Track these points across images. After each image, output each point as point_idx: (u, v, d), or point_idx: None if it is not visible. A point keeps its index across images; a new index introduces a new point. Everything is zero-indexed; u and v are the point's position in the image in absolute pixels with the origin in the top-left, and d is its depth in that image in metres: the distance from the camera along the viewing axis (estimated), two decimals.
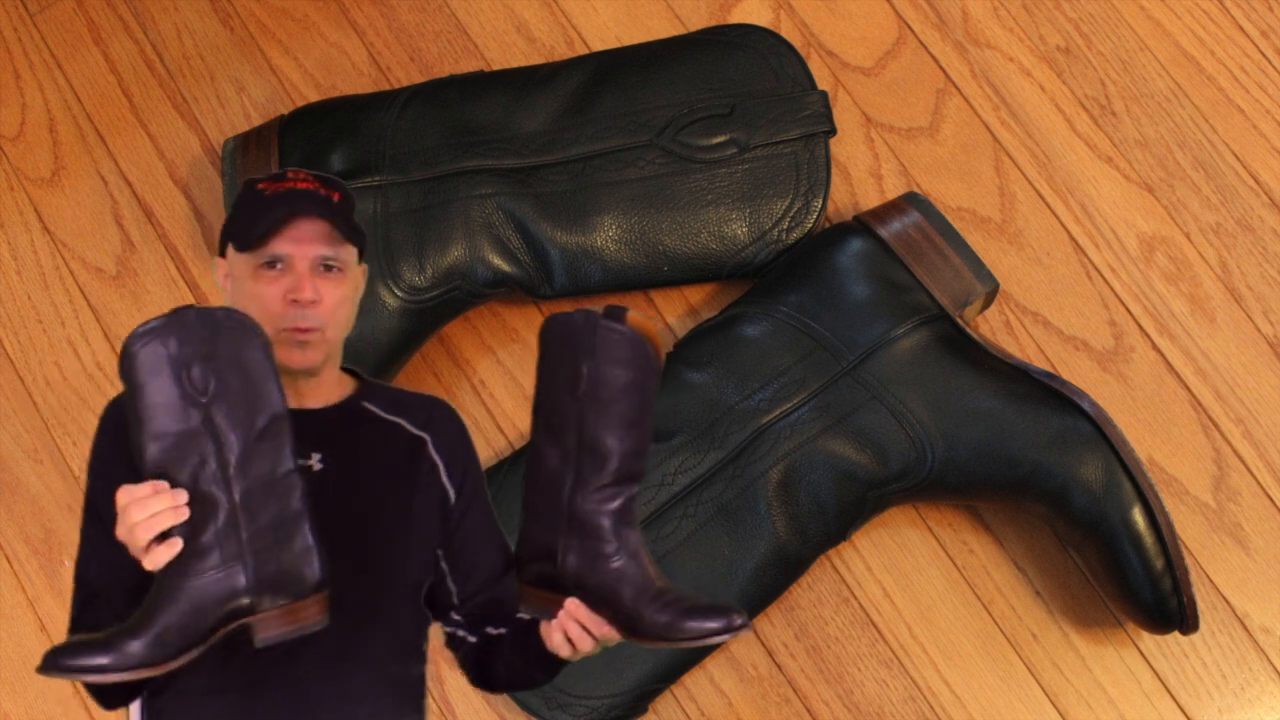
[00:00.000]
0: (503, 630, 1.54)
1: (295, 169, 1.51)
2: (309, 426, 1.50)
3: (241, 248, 1.47)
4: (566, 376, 1.39)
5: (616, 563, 1.38)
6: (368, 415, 1.53)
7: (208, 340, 1.33)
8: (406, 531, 1.50)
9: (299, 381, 1.50)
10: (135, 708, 1.55)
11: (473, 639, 1.56)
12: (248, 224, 1.47)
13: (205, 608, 1.33)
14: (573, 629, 1.40)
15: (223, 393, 1.33)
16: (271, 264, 1.47)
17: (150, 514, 1.30)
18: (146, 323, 1.33)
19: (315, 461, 1.48)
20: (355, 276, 1.52)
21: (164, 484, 1.32)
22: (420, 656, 1.54)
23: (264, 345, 1.35)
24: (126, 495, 1.32)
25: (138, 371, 1.33)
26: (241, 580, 1.33)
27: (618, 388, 1.38)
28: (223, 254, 1.53)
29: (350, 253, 1.50)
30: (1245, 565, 2.08)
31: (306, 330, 1.46)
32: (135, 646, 1.30)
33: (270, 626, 1.35)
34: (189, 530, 1.33)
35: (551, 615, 1.41)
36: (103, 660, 1.29)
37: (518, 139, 2.14)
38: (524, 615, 1.53)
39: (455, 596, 1.55)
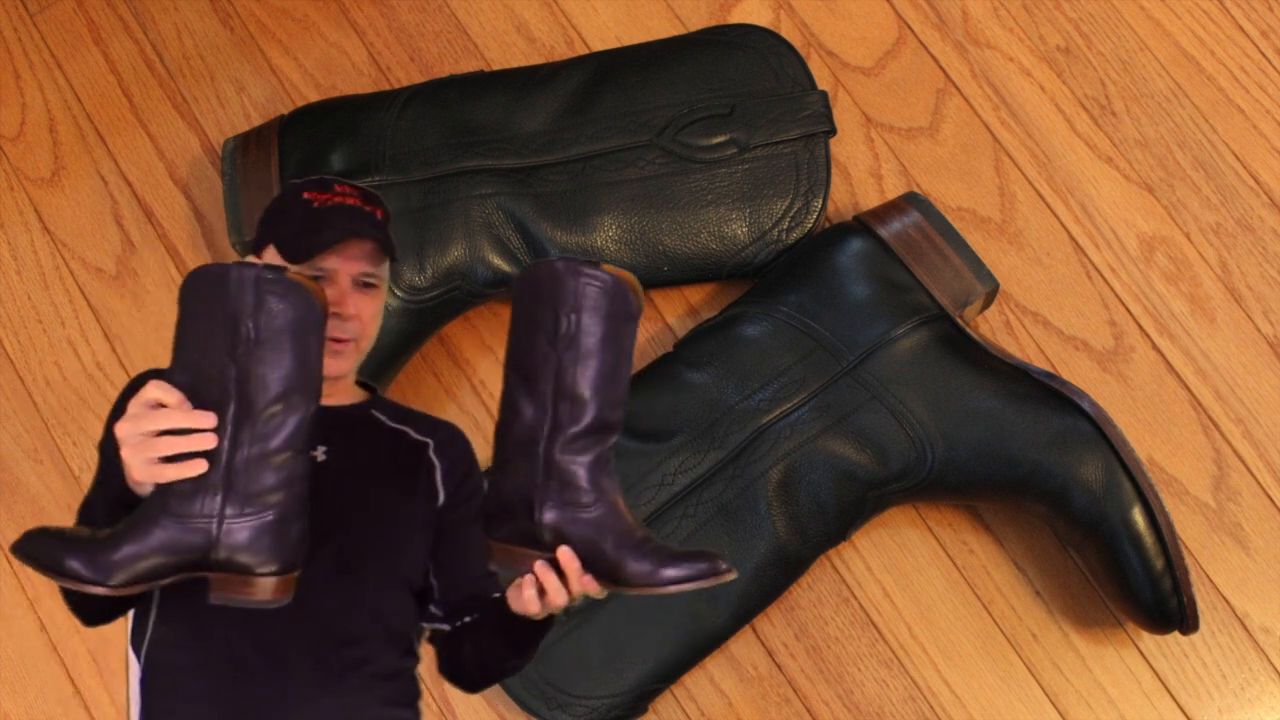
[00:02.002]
0: (475, 615, 1.55)
1: (340, 180, 1.54)
2: (320, 421, 1.52)
3: (291, 259, 1.50)
4: (545, 325, 1.37)
5: (596, 512, 1.37)
6: (375, 422, 1.58)
7: (268, 300, 1.33)
8: (400, 529, 1.52)
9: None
10: (135, 690, 1.56)
11: (447, 629, 1.57)
12: (299, 235, 1.50)
13: (178, 549, 1.33)
14: (550, 580, 1.38)
15: (262, 356, 1.33)
16: (315, 277, 1.51)
17: (174, 426, 1.30)
18: (218, 264, 1.34)
19: (320, 453, 1.52)
20: (385, 288, 1.58)
21: (189, 404, 1.32)
22: (411, 652, 1.55)
23: (320, 323, 1.36)
24: (159, 391, 1.30)
25: (192, 303, 1.34)
26: (218, 536, 1.33)
27: (598, 336, 1.36)
28: (257, 253, 1.56)
29: (386, 268, 1.56)
30: (1245, 565, 2.08)
31: (342, 340, 1.51)
32: (109, 559, 1.30)
33: (226, 589, 1.35)
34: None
35: (523, 569, 1.39)
36: (76, 565, 1.30)
37: (518, 139, 2.14)
38: (493, 570, 1.53)
39: (436, 591, 1.57)
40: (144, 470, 1.31)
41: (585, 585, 1.38)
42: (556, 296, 1.37)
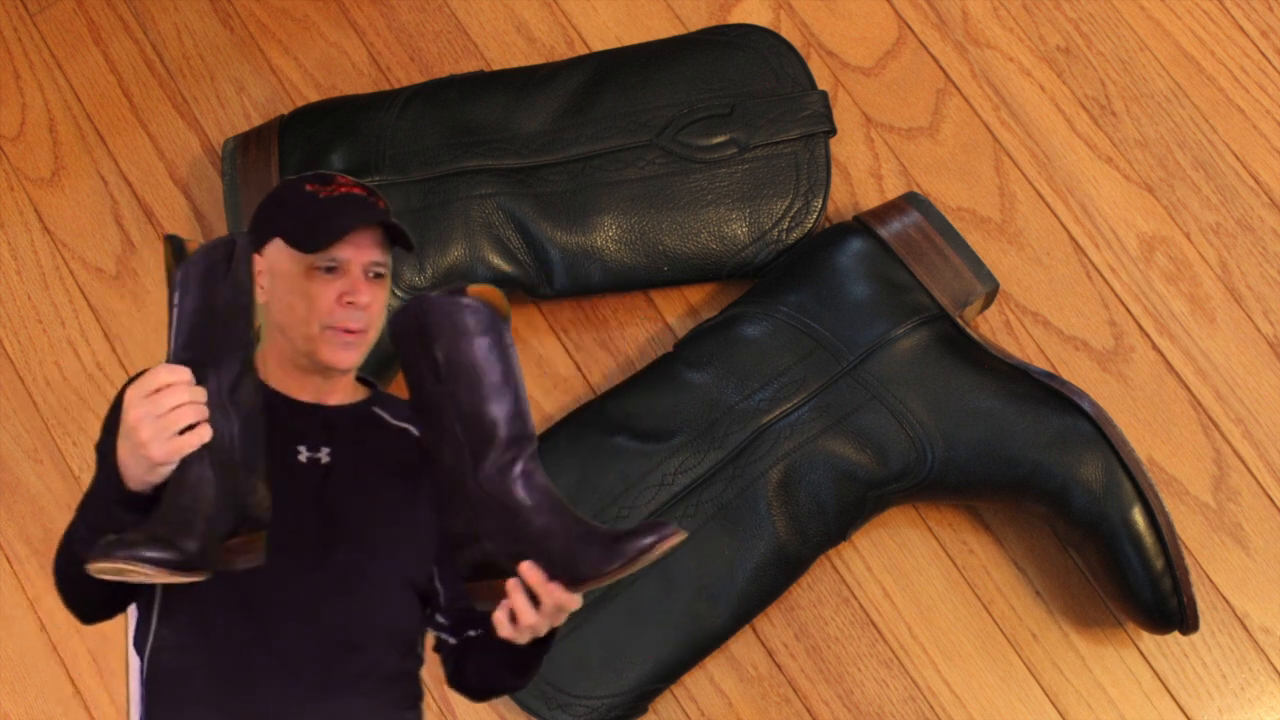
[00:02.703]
0: (479, 631, 1.56)
1: (339, 174, 1.55)
2: (322, 421, 1.53)
3: (305, 249, 1.50)
4: (425, 367, 1.41)
5: (538, 521, 1.39)
6: (378, 420, 1.57)
7: (241, 264, 1.40)
8: (404, 530, 1.52)
9: (326, 379, 1.54)
10: (136, 690, 1.55)
11: (453, 641, 1.58)
12: (310, 225, 1.50)
13: (236, 517, 1.37)
14: (519, 600, 1.40)
15: (237, 316, 1.39)
16: (328, 267, 1.51)
17: (193, 400, 1.33)
18: (226, 238, 1.39)
19: (324, 455, 1.51)
20: (390, 279, 1.59)
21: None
22: (416, 655, 1.55)
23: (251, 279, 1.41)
24: (171, 374, 1.33)
25: (192, 280, 1.38)
26: (255, 495, 1.39)
27: (475, 358, 1.40)
28: (259, 249, 1.55)
29: (390, 260, 1.56)
30: (1245, 565, 2.08)
31: (354, 331, 1.50)
32: (191, 546, 1.33)
33: (236, 554, 1.39)
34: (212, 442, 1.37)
35: (498, 601, 1.42)
36: (166, 555, 1.31)
37: (518, 139, 2.14)
38: (478, 609, 1.55)
39: (441, 598, 1.56)
40: (164, 448, 1.33)
41: (554, 594, 1.40)
42: (426, 336, 1.41)
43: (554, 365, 2.18)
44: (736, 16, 2.33)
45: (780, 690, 2.05)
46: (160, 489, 1.37)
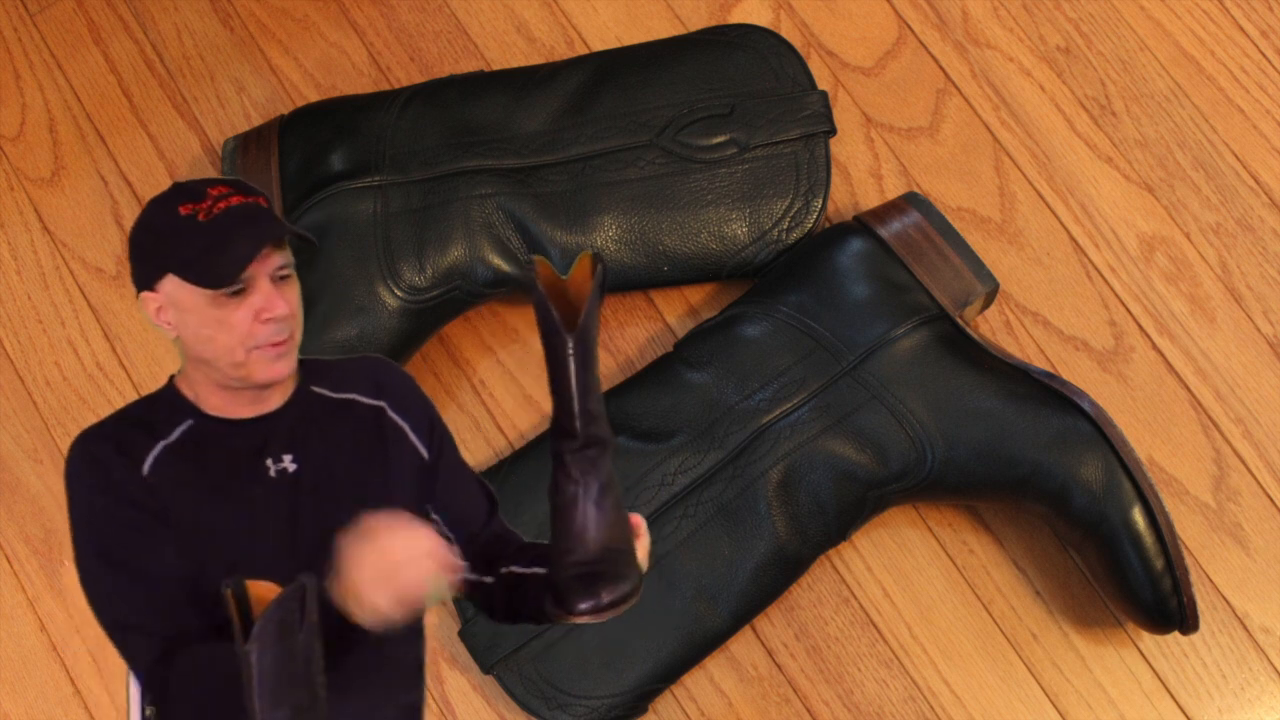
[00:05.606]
0: (533, 567, 1.50)
1: (209, 182, 1.43)
2: (275, 428, 1.47)
3: (211, 286, 1.39)
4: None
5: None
6: (321, 400, 1.50)
7: (308, 614, 1.40)
8: (390, 506, 1.48)
9: (265, 389, 1.47)
10: (135, 691, 1.55)
11: (489, 579, 1.53)
12: (206, 258, 1.39)
13: None
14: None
15: (313, 668, 1.40)
16: (235, 291, 1.40)
17: None
18: (284, 592, 1.37)
19: (289, 463, 1.46)
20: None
21: None
22: (420, 635, 1.53)
23: None
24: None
25: (269, 636, 1.36)
26: None
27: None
28: (150, 287, 1.45)
29: (290, 253, 1.46)
30: (1245, 565, 2.08)
31: (282, 342, 1.42)
32: None
33: None
34: None
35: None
36: None
37: (518, 139, 2.14)
38: (534, 542, 1.53)
39: (454, 543, 1.52)
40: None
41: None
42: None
43: None
44: (736, 16, 2.33)
45: (780, 690, 2.05)
46: None
